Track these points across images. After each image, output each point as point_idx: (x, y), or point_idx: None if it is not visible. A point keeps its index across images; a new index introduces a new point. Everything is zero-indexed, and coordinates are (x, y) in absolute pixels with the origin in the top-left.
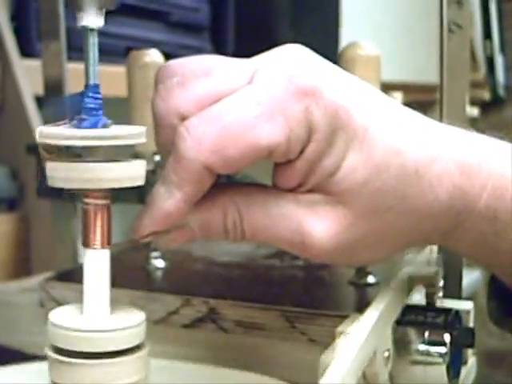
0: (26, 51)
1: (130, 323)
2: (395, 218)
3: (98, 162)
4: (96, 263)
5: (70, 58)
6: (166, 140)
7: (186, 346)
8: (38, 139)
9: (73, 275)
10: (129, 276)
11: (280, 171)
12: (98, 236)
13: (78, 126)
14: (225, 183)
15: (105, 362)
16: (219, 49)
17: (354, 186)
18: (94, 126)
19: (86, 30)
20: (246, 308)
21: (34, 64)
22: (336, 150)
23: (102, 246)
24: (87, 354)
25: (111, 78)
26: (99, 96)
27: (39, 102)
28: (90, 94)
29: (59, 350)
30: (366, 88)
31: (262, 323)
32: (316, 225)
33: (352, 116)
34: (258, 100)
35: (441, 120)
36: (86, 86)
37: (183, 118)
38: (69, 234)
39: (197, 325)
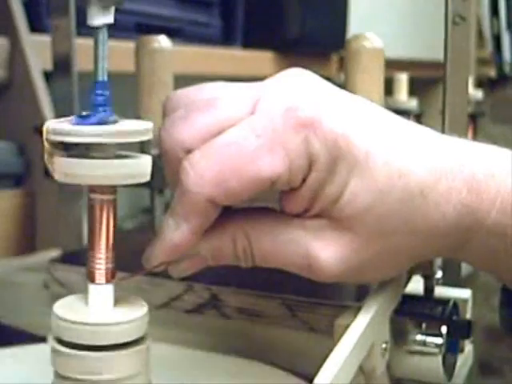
0: (36, 27)
1: (133, 316)
2: (402, 240)
3: (104, 158)
4: None
5: (79, 34)
6: (173, 172)
7: (188, 330)
8: (45, 135)
9: (77, 257)
10: (133, 260)
11: (286, 197)
12: (103, 237)
13: (86, 123)
14: (234, 210)
15: (107, 354)
16: (229, 25)
17: (358, 212)
18: (101, 122)
19: (95, 28)
20: (247, 296)
21: (43, 39)
22: (338, 178)
23: (107, 250)
24: (90, 346)
25: (121, 54)
26: (107, 92)
27: (47, 77)
28: (99, 91)
29: (62, 341)
30: (366, 110)
31: (264, 311)
32: (323, 250)
33: (352, 143)
34: (258, 132)
35: (443, 118)
36: (95, 82)
37: (188, 151)
38: (74, 213)
39: (199, 310)
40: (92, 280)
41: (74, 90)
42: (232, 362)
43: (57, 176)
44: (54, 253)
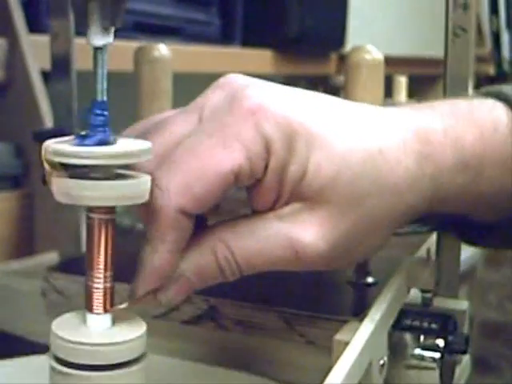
0: (34, 27)
1: (131, 336)
2: (375, 202)
3: (104, 179)
4: None
5: (78, 33)
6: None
7: (185, 342)
8: (44, 155)
9: (75, 265)
10: (130, 269)
11: (254, 194)
12: (101, 256)
13: (84, 143)
14: (208, 226)
15: (105, 374)
16: (227, 23)
17: (326, 182)
18: (101, 143)
19: (94, 48)
20: (245, 308)
21: (42, 40)
22: (298, 155)
23: (105, 270)
24: (88, 365)
25: (119, 53)
26: (106, 113)
27: (46, 77)
28: (97, 111)
29: (61, 360)
30: (309, 94)
31: (261, 323)
32: (304, 233)
33: (303, 119)
34: (208, 133)
35: None
36: (93, 102)
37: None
38: (73, 216)
39: (196, 322)
40: (90, 309)
41: (72, 90)
42: (225, 374)
43: (56, 196)
44: (52, 255)
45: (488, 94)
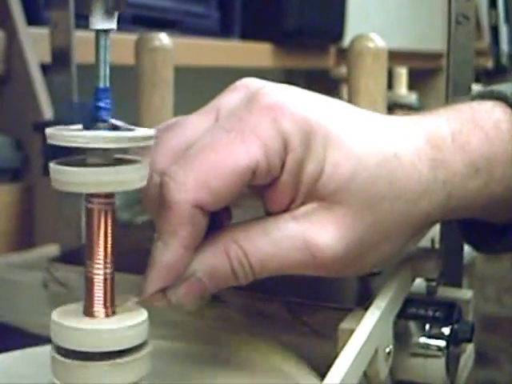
0: (33, 19)
1: (132, 322)
2: (391, 206)
3: (102, 165)
4: None
5: (78, 26)
6: (152, 199)
7: (188, 330)
8: (48, 141)
9: (76, 256)
10: (132, 258)
11: (269, 194)
12: (101, 244)
13: (89, 129)
14: (223, 227)
15: (107, 362)
16: (226, 16)
17: (343, 183)
18: (102, 128)
19: (97, 32)
20: (250, 297)
21: (41, 32)
22: (315, 153)
23: (105, 256)
24: (90, 353)
25: (118, 46)
26: (109, 100)
27: (45, 70)
28: (101, 97)
29: (62, 350)
30: (326, 98)
31: (266, 313)
32: (320, 234)
33: (320, 119)
34: (227, 129)
35: None
36: (97, 88)
37: (163, 173)
38: (74, 208)
39: (201, 311)
40: (90, 296)
41: (73, 83)
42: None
43: (54, 184)
44: (53, 249)
45: (481, 96)
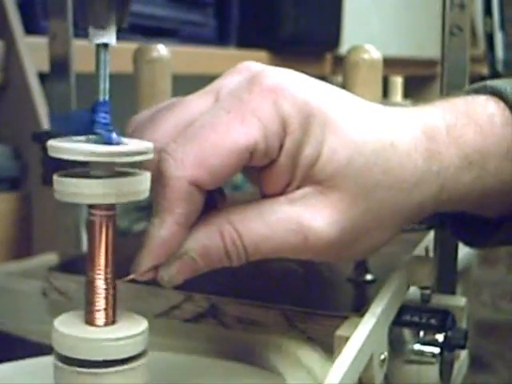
0: (31, 28)
1: (134, 332)
2: (385, 194)
3: (104, 177)
4: None
5: (76, 35)
6: (151, 176)
7: (187, 339)
8: (50, 153)
9: (76, 265)
10: (129, 267)
11: (266, 176)
12: (102, 253)
13: (89, 142)
14: (217, 207)
15: (108, 370)
16: (223, 25)
17: (339, 168)
18: (105, 142)
19: (97, 46)
20: (246, 305)
21: (39, 41)
22: (313, 137)
23: (106, 266)
24: (91, 361)
25: (116, 55)
26: (107, 114)
27: (42, 79)
28: (101, 111)
29: (63, 358)
30: (326, 84)
31: (262, 321)
32: (314, 217)
33: (320, 103)
34: (226, 109)
35: None
36: (96, 102)
37: (162, 151)
38: (72, 216)
39: (198, 320)
40: (91, 305)
41: (71, 92)
42: (227, 367)
43: (57, 195)
44: (51, 257)
45: (476, 91)
